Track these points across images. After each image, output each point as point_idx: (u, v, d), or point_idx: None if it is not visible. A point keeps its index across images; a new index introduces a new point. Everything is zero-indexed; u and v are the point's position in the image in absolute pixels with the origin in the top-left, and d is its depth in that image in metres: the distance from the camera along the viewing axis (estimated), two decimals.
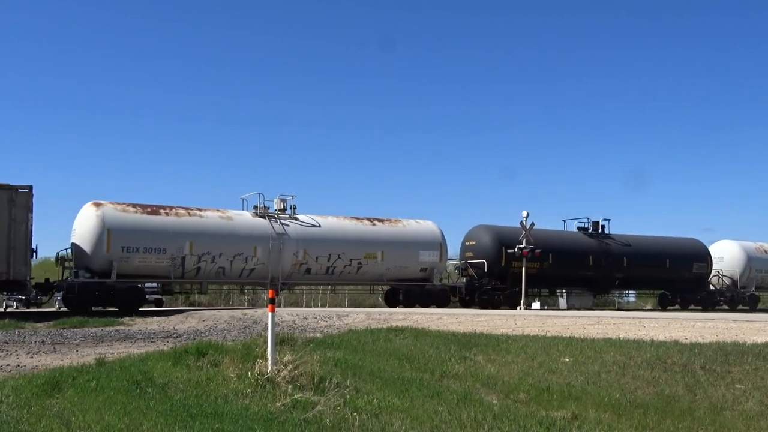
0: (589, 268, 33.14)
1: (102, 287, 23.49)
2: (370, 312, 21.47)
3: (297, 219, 27.68)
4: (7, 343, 13.95)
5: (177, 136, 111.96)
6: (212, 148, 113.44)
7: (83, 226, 23.96)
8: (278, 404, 7.32)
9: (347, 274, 28.35)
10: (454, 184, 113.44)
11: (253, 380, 8.19)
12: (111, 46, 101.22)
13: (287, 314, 20.39)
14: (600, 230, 34.77)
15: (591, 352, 11.20)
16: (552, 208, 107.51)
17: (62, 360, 11.32)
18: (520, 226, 29.59)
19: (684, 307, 36.45)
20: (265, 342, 8.98)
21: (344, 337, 13.68)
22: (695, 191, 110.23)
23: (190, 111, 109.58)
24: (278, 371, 8.33)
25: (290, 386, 7.95)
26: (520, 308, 27.73)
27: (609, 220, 35.25)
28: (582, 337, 13.10)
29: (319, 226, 27.86)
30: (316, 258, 27.29)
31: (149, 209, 25.04)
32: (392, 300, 29.74)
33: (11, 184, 21.53)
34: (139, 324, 18.73)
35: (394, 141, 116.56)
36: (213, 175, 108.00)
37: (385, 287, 30.18)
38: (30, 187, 21.75)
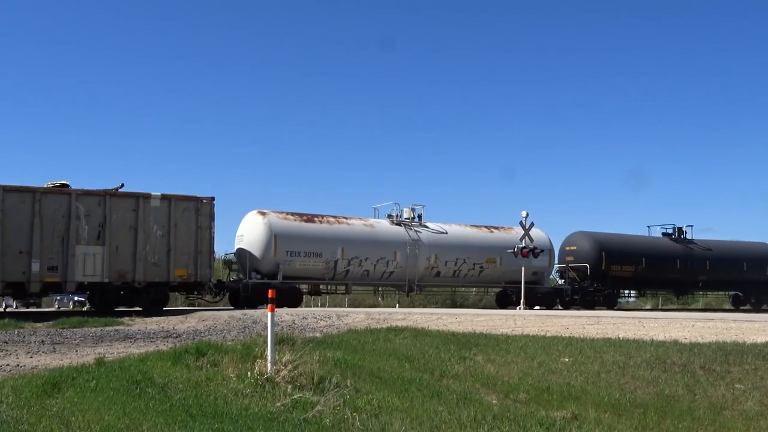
0: (676, 271, 35.60)
1: (269, 287, 24.83)
2: (370, 312, 21.49)
3: (426, 226, 30.50)
4: (6, 342, 13.94)
5: (177, 136, 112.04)
6: (212, 148, 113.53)
7: (251, 233, 26.48)
8: (278, 404, 7.31)
9: (470, 277, 31.24)
10: (454, 184, 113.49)
11: (252, 380, 8.18)
12: (111, 46, 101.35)
13: (287, 314, 20.38)
14: (683, 235, 36.89)
15: (591, 352, 11.19)
16: (552, 207, 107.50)
17: (62, 360, 11.31)
18: (519, 225, 29.79)
19: (757, 308, 38.25)
20: (265, 342, 8.98)
21: (344, 337, 13.68)
22: (695, 191, 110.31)
23: (190, 111, 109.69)
24: (278, 371, 8.32)
25: (290, 386, 7.94)
26: (520, 308, 27.72)
27: (691, 226, 37.40)
28: (581, 337, 13.09)
29: (446, 233, 30.75)
30: (445, 262, 30.18)
31: (305, 217, 27.70)
32: (503, 301, 32.38)
33: (197, 195, 23.88)
34: (138, 324, 18.71)
35: (394, 141, 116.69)
36: (214, 176, 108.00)
37: (498, 289, 33.01)
38: (212, 198, 24.00)
